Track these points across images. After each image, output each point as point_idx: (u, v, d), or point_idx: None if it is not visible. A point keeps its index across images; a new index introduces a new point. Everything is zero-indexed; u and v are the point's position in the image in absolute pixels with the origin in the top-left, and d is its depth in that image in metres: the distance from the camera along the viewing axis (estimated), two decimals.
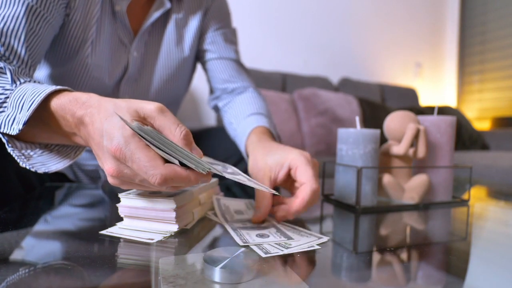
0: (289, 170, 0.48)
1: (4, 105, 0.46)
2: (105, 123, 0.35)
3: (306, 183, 0.45)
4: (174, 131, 0.35)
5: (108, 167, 0.35)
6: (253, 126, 0.69)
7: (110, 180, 0.37)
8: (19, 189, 0.62)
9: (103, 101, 0.38)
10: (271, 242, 0.37)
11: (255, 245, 0.36)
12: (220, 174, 0.36)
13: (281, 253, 0.34)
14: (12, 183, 0.61)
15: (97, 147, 0.37)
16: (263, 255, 0.32)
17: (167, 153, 0.33)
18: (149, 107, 0.36)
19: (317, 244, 0.37)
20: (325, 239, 0.39)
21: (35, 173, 0.67)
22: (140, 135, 0.33)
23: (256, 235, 0.39)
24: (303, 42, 2.52)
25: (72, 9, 0.63)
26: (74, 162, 0.79)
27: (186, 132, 0.36)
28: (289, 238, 0.38)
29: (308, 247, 0.36)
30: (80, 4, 0.63)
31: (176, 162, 0.33)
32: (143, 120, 0.36)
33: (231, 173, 0.39)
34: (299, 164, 0.46)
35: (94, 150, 0.38)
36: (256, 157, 0.53)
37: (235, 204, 0.50)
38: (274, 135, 0.69)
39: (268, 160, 0.50)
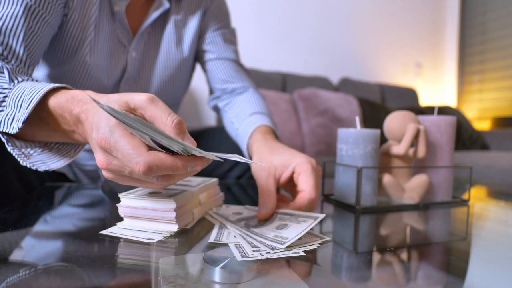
0: (293, 173, 0.48)
1: (3, 104, 0.45)
2: (95, 116, 0.35)
3: (305, 191, 0.45)
4: (166, 120, 0.34)
5: (98, 159, 0.34)
6: (256, 125, 0.68)
7: (104, 174, 0.36)
8: (19, 189, 0.62)
9: (98, 97, 0.38)
10: (256, 241, 0.35)
11: (233, 243, 0.35)
12: (206, 156, 0.33)
13: (259, 257, 0.32)
14: (12, 183, 0.61)
15: (91, 142, 0.37)
16: (239, 258, 0.31)
17: (143, 133, 0.30)
18: (139, 98, 0.35)
19: (303, 251, 0.34)
20: (315, 245, 0.36)
21: (35, 173, 0.67)
22: (115, 117, 0.31)
23: (252, 230, 0.38)
24: (303, 42, 2.52)
25: (70, 9, 0.63)
26: (74, 162, 0.79)
27: (178, 120, 0.34)
28: (284, 239, 0.37)
29: (292, 254, 0.33)
30: (78, 4, 0.63)
31: (148, 139, 0.31)
32: (133, 111, 0.35)
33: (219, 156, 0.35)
34: (303, 171, 0.47)
35: (91, 145, 0.38)
36: (261, 155, 0.53)
37: (233, 210, 0.50)
38: (277, 135, 0.69)
39: (273, 160, 0.50)
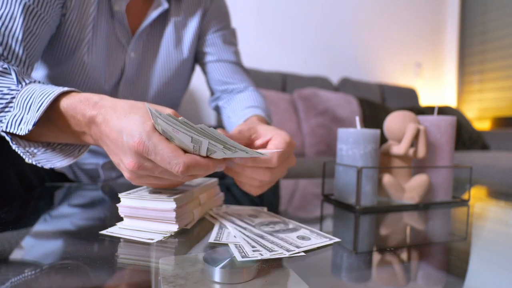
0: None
1: (10, 105, 0.46)
2: (124, 120, 0.37)
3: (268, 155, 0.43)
4: None
5: (128, 161, 0.36)
6: (249, 114, 0.70)
7: (127, 175, 0.38)
8: (19, 189, 0.62)
9: (118, 101, 0.40)
10: (258, 242, 0.36)
11: (233, 243, 0.35)
12: (243, 155, 0.37)
13: (259, 257, 0.31)
14: (12, 183, 0.61)
15: (114, 145, 0.38)
16: (239, 259, 0.30)
17: (205, 137, 0.34)
18: (165, 111, 0.38)
19: (303, 251, 0.34)
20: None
21: (35, 172, 0.67)
22: (171, 124, 0.34)
23: (261, 230, 0.38)
24: (303, 42, 2.52)
25: (68, 8, 0.63)
26: (74, 161, 0.79)
27: None
28: (303, 238, 0.37)
29: (293, 254, 0.33)
30: (76, 4, 0.63)
31: (206, 144, 0.35)
32: None
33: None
34: (276, 139, 0.45)
35: (108, 147, 0.39)
36: (249, 123, 0.54)
37: (243, 211, 0.49)
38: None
39: (258, 127, 0.50)
